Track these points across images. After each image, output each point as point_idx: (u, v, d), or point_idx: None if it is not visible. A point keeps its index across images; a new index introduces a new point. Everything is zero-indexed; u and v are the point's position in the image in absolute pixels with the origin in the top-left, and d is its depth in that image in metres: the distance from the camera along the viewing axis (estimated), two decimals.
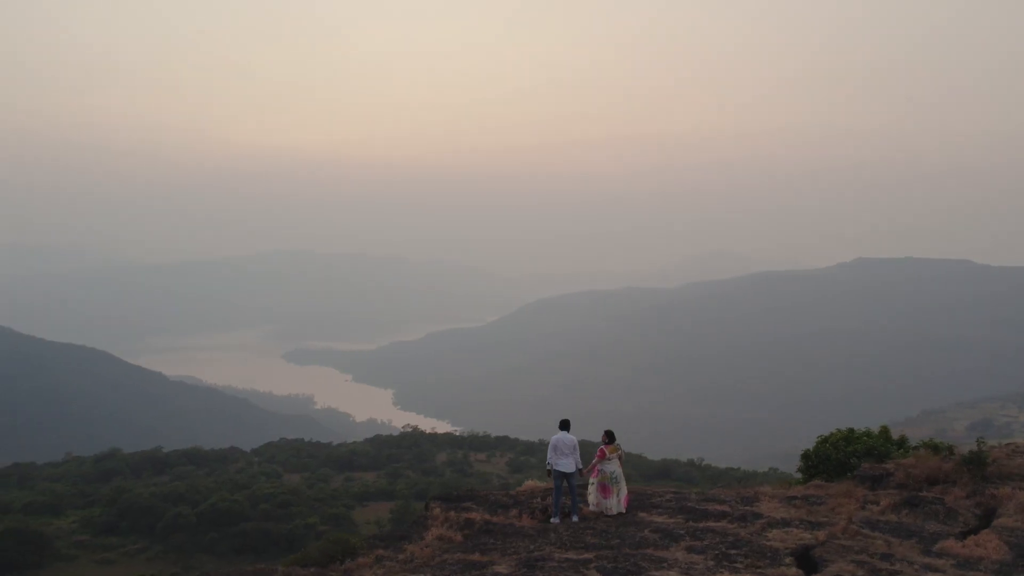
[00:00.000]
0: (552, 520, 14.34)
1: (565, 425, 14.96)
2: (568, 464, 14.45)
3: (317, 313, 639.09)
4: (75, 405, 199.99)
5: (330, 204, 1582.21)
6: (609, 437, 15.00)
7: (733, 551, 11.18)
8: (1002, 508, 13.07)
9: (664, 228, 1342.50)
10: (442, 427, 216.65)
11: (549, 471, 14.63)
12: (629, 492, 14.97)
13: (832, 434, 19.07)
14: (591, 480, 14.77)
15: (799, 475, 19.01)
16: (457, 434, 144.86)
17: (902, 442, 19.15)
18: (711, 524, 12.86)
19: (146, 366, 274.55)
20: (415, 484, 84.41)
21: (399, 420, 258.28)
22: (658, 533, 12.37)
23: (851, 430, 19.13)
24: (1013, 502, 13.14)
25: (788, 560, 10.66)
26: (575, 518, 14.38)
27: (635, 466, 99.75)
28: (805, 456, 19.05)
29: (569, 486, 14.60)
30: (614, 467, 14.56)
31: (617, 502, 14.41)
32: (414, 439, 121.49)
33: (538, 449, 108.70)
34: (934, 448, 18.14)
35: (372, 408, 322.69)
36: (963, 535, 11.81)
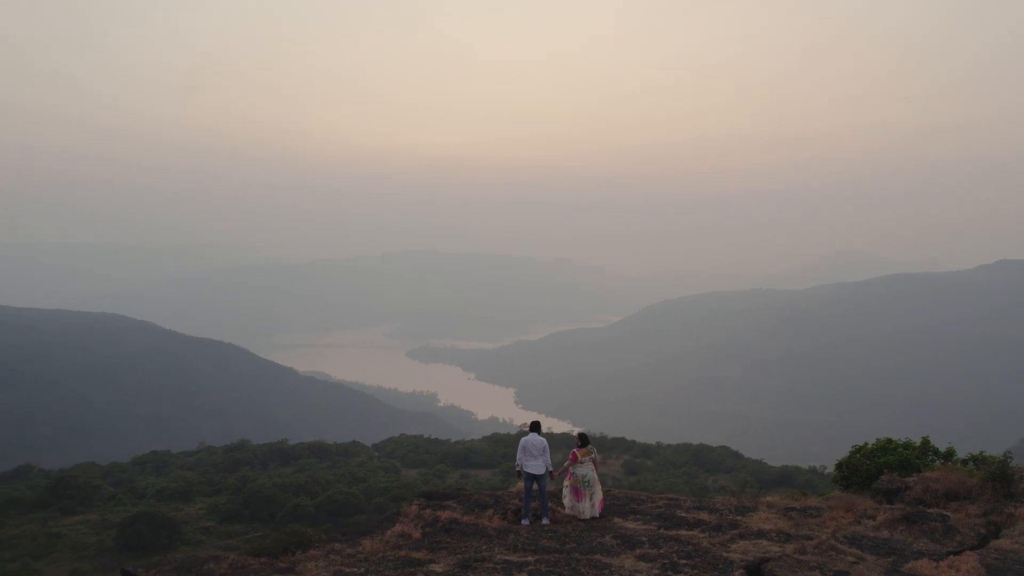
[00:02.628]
0: (523, 522, 14.39)
1: (535, 427, 15.05)
2: (538, 466, 14.47)
3: (441, 312, 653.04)
4: (211, 397, 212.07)
5: (456, 205, 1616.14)
6: (582, 440, 14.98)
7: (684, 561, 10.99)
8: (1008, 528, 12.21)
9: (793, 228, 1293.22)
10: (561, 427, 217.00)
11: (519, 472, 14.76)
12: (605, 495, 14.87)
13: (867, 444, 18.22)
14: (564, 483, 14.78)
15: (834, 485, 18.30)
16: (573, 434, 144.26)
17: (949, 454, 18.06)
18: (681, 532, 12.64)
19: (278, 361, 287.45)
20: None
21: (520, 419, 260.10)
22: (619, 539, 12.25)
23: (889, 440, 18.21)
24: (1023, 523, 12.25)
25: (739, 573, 10.40)
26: (545, 520, 14.36)
27: (753, 472, 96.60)
28: (839, 466, 18.30)
29: (539, 488, 14.59)
30: (587, 471, 14.48)
31: (590, 506, 14.32)
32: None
33: (654, 452, 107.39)
34: (982, 461, 17.01)
35: (494, 406, 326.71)
36: (948, 555, 11.15)
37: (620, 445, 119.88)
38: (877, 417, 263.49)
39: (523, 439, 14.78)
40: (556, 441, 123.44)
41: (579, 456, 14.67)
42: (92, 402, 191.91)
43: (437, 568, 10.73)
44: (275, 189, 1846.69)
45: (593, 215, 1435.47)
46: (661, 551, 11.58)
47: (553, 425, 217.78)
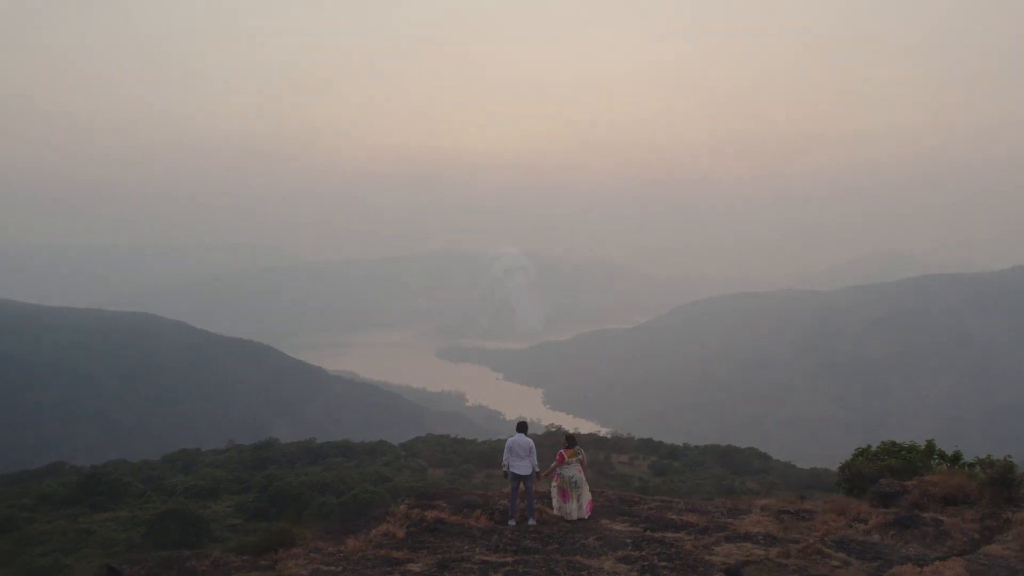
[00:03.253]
0: (509, 523, 14.43)
1: (522, 427, 15.05)
2: (524, 466, 14.49)
3: (469, 312, 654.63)
4: (241, 396, 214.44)
5: (481, 205, 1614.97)
6: (569, 441, 14.96)
7: (664, 563, 10.95)
8: (1002, 533, 11.98)
9: (825, 228, 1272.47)
10: (589, 427, 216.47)
11: (505, 473, 14.80)
12: (596, 496, 14.83)
13: (869, 447, 17.98)
14: (552, 484, 14.77)
15: (837, 488, 18.08)
16: (600, 435, 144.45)
17: (955, 458, 17.76)
18: (667, 535, 12.59)
19: (308, 361, 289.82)
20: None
21: (548, 419, 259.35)
22: (602, 541, 12.26)
23: (893, 443, 17.97)
24: (1019, 527, 12.01)
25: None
26: (532, 521, 14.39)
27: (782, 474, 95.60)
28: (842, 468, 18.09)
29: (526, 488, 14.63)
30: (574, 471, 14.46)
31: (578, 507, 14.29)
32: (555, 439, 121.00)
33: (682, 453, 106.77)
34: (988, 465, 16.71)
35: (522, 407, 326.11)
36: (935, 560, 10.96)
37: (647, 446, 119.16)
38: (913, 420, 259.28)
39: (509, 440, 14.82)
40: (582, 442, 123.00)
41: (566, 457, 14.67)
42: (123, 400, 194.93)
43: (415, 568, 10.82)
44: (302, 190, 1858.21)
45: (622, 216, 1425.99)
46: (643, 553, 11.55)
47: (581, 426, 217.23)
